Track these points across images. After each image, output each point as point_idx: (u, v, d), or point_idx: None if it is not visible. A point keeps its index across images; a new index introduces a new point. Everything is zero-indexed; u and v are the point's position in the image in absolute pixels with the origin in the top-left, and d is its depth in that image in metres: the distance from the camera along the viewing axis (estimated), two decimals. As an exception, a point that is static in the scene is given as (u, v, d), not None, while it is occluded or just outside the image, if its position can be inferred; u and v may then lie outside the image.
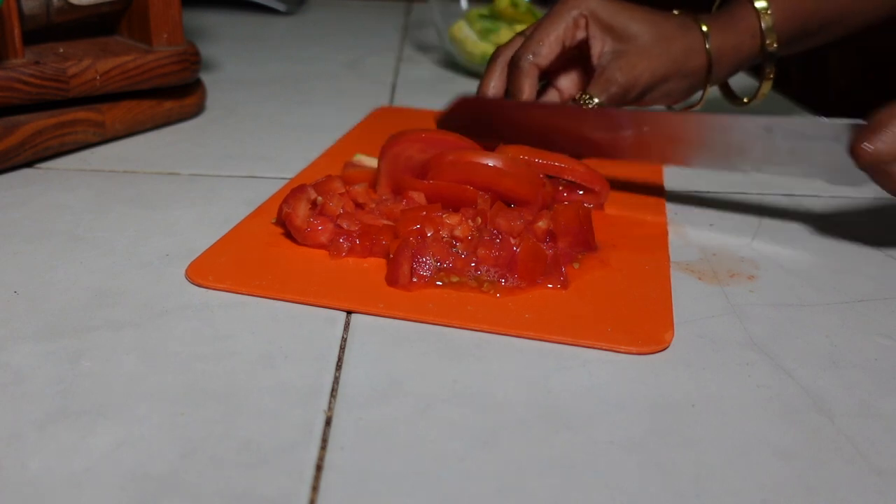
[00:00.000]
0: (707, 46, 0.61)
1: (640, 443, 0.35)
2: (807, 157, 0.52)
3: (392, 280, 0.45)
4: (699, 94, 0.64)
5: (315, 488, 0.31)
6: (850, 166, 0.50)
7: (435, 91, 0.87)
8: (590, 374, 0.39)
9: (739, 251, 0.52)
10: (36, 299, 0.43)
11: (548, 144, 0.55)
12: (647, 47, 0.59)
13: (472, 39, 0.90)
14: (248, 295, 0.44)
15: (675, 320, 0.44)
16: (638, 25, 0.59)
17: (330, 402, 0.36)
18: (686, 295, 0.47)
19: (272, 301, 0.44)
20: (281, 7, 1.22)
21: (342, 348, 0.40)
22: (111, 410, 0.35)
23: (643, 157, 0.56)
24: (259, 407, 0.36)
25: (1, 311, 0.42)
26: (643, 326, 0.42)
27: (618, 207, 0.56)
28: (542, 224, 0.48)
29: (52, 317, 0.42)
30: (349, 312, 0.43)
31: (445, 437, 0.34)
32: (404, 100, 0.82)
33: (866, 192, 0.61)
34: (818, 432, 0.36)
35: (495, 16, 0.91)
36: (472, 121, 0.59)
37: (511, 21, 0.90)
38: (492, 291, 0.44)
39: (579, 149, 0.56)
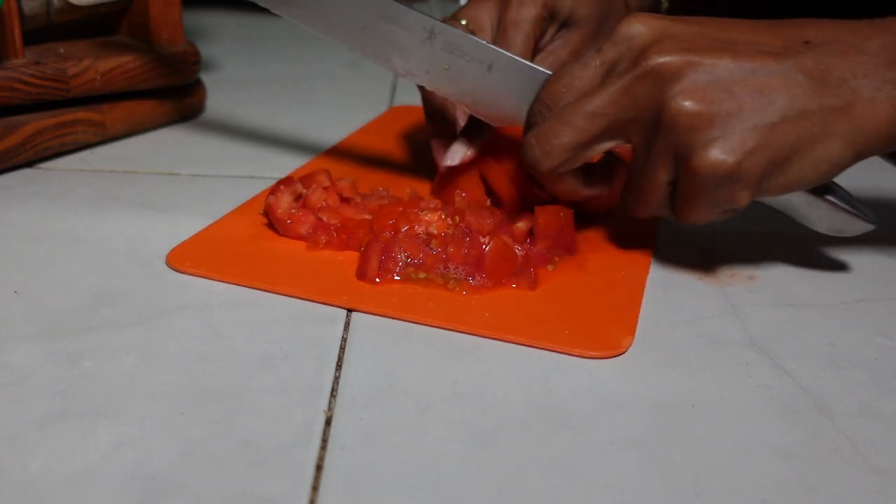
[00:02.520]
0: None
1: (640, 443, 0.35)
2: (457, 77, 0.48)
3: (360, 274, 0.45)
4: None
5: (315, 488, 0.31)
6: (498, 100, 0.48)
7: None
8: (590, 374, 0.39)
9: (739, 251, 0.52)
10: (36, 299, 0.43)
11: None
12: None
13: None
14: (221, 282, 0.45)
15: (676, 320, 0.44)
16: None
17: (330, 402, 0.36)
18: (686, 295, 0.47)
19: (272, 301, 0.44)
20: (281, 7, 1.21)
21: (342, 348, 0.40)
22: (111, 410, 0.35)
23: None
24: (259, 407, 0.36)
25: (1, 311, 0.42)
26: (602, 331, 0.42)
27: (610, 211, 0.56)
28: (521, 225, 0.48)
29: (52, 317, 0.42)
30: (348, 310, 0.43)
31: (445, 437, 0.34)
32: (404, 100, 0.82)
33: (866, 192, 0.61)
34: (818, 432, 0.36)
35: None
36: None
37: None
38: (457, 289, 0.45)
39: None
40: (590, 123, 0.43)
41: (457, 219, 0.47)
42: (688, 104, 0.41)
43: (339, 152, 0.65)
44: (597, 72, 0.44)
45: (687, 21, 0.43)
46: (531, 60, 0.52)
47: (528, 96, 0.47)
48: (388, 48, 0.49)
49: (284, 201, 0.49)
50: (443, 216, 0.47)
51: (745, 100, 0.41)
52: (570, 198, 0.48)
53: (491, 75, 0.48)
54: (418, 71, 0.50)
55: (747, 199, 0.43)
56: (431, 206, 0.49)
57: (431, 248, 0.46)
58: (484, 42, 0.48)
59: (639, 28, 0.43)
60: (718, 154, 0.41)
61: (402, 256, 0.46)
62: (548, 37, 0.56)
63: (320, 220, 0.49)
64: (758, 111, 0.41)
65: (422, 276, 0.45)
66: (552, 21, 0.55)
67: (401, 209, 0.48)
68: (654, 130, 0.43)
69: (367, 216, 0.50)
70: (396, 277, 0.45)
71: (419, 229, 0.47)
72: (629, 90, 0.42)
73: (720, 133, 0.41)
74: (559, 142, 0.43)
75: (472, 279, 0.45)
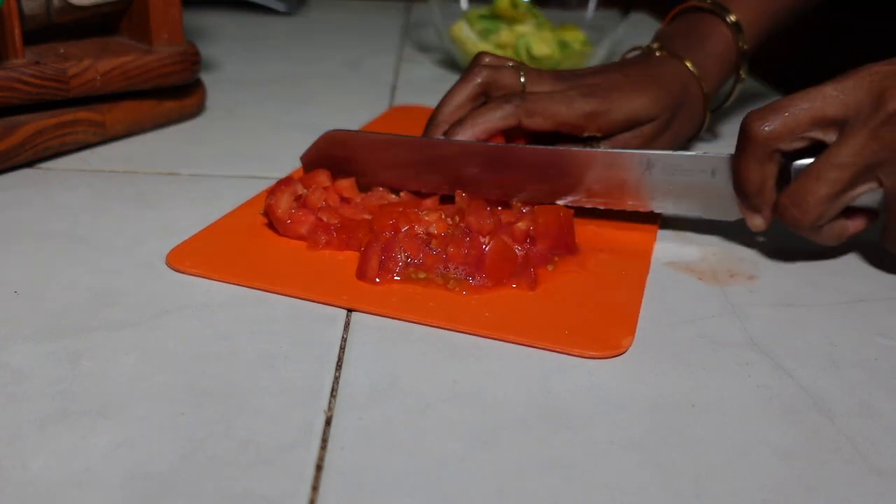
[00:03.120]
0: (703, 92, 0.61)
1: (640, 443, 0.35)
2: (685, 192, 0.52)
3: (361, 274, 0.45)
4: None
5: (315, 488, 0.31)
6: (726, 200, 0.51)
7: (435, 91, 0.86)
8: (590, 374, 0.39)
9: (739, 251, 0.52)
10: (36, 299, 0.43)
11: (418, 182, 0.53)
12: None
13: (472, 39, 0.89)
14: (221, 282, 0.45)
15: (676, 320, 0.44)
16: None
17: (330, 402, 0.36)
18: (686, 295, 0.47)
19: (272, 301, 0.44)
20: (281, 7, 1.22)
21: (342, 348, 0.40)
22: (111, 410, 0.35)
23: (526, 194, 0.53)
24: (259, 407, 0.36)
25: (1, 311, 0.42)
26: (602, 331, 0.42)
27: (612, 211, 0.56)
28: (521, 225, 0.48)
29: (52, 317, 0.42)
30: (348, 310, 0.43)
31: (445, 437, 0.34)
32: (404, 100, 0.82)
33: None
34: (818, 432, 0.36)
35: (495, 16, 0.91)
36: (340, 159, 0.55)
37: (511, 21, 0.90)
38: (457, 289, 0.45)
39: (455, 186, 0.53)
40: (840, 174, 0.45)
41: (457, 219, 0.47)
42: None
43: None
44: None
45: None
46: None
47: None
48: (614, 192, 0.53)
49: (284, 201, 0.50)
50: (443, 216, 0.47)
51: None
52: (841, 241, 0.50)
53: (716, 179, 0.51)
54: (646, 198, 0.53)
55: None
56: (431, 205, 0.49)
57: (431, 248, 0.46)
58: (698, 154, 0.51)
59: (871, 74, 0.45)
60: None
61: (402, 256, 0.46)
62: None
63: (320, 219, 0.49)
64: None
65: (422, 276, 0.45)
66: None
67: (401, 209, 0.48)
68: None
69: (367, 216, 0.50)
70: (396, 277, 0.45)
71: (419, 229, 0.47)
72: (876, 136, 0.44)
73: None
74: (813, 197, 0.46)
75: (472, 279, 0.45)
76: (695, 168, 0.51)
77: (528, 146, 0.53)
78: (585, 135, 0.56)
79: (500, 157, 0.52)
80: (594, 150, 0.52)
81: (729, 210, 0.52)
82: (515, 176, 0.52)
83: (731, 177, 0.50)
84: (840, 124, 0.46)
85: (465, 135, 0.53)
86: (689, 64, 0.60)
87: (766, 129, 0.47)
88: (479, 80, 0.57)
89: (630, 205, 0.53)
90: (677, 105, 0.59)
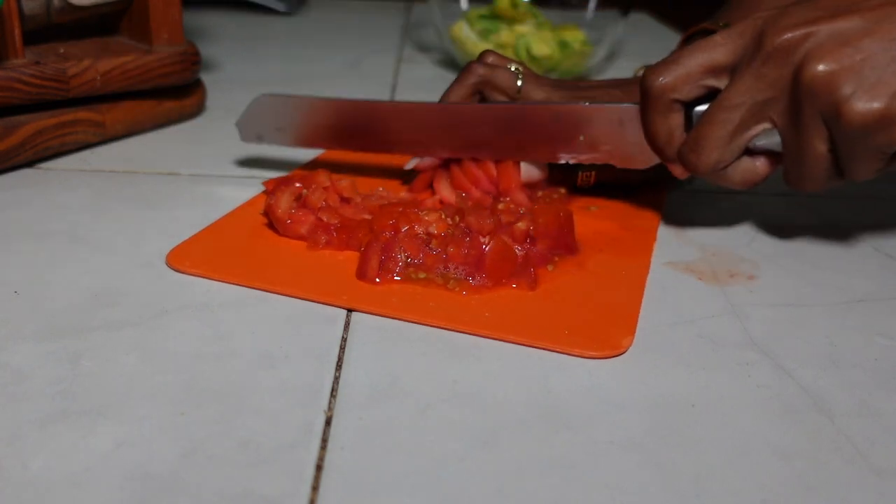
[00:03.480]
0: None
1: (640, 443, 0.35)
2: (594, 143, 0.52)
3: (361, 274, 0.45)
4: None
5: (315, 488, 0.31)
6: (636, 149, 0.51)
7: (435, 91, 0.86)
8: (590, 374, 0.39)
9: (739, 251, 0.52)
10: (36, 299, 0.43)
11: (365, 143, 0.56)
12: None
13: (472, 39, 0.90)
14: (221, 282, 0.45)
15: (676, 320, 0.44)
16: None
17: (330, 402, 0.36)
18: (686, 295, 0.47)
19: (272, 301, 0.44)
20: (281, 7, 1.21)
21: (342, 348, 0.40)
22: (111, 410, 0.35)
23: (497, 154, 0.54)
24: (259, 407, 0.36)
25: (1, 311, 0.42)
26: (602, 331, 0.42)
27: (612, 210, 0.56)
28: (521, 225, 0.48)
29: (52, 317, 0.42)
30: (348, 310, 0.43)
31: (445, 437, 0.34)
32: (404, 99, 0.82)
33: (864, 190, 0.61)
34: (818, 432, 0.36)
35: (495, 16, 0.91)
36: (277, 125, 0.57)
37: (511, 21, 0.90)
38: (457, 289, 0.45)
39: (421, 148, 0.55)
40: (730, 115, 0.46)
41: (457, 219, 0.47)
42: (820, 67, 0.43)
43: (339, 152, 0.65)
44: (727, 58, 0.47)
45: (804, 3, 0.46)
46: None
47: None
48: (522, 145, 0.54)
49: (284, 201, 0.50)
50: (443, 216, 0.47)
51: (876, 48, 0.43)
52: (751, 184, 0.50)
53: (623, 129, 0.52)
54: (555, 151, 0.53)
55: None
56: (431, 205, 0.49)
57: (431, 249, 0.46)
58: (608, 104, 0.52)
59: (754, 20, 0.46)
60: (864, 104, 0.42)
61: (402, 256, 0.46)
62: None
63: (320, 219, 0.49)
64: (892, 55, 0.43)
65: (422, 275, 0.45)
66: None
67: (401, 209, 0.48)
68: (795, 105, 0.45)
69: (367, 216, 0.50)
70: (396, 277, 0.45)
71: (419, 229, 0.47)
72: (759, 75, 0.45)
73: (859, 84, 0.43)
74: (708, 141, 0.47)
75: (473, 279, 0.45)
76: (602, 120, 0.51)
77: (520, 103, 0.54)
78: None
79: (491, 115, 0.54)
80: (506, 104, 0.54)
81: (639, 158, 0.52)
82: (504, 134, 0.54)
83: (639, 126, 0.51)
84: (730, 70, 0.47)
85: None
86: None
87: (661, 81, 0.48)
88: (472, 80, 0.57)
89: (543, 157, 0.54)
90: None
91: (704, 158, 0.47)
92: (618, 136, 0.52)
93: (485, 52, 0.59)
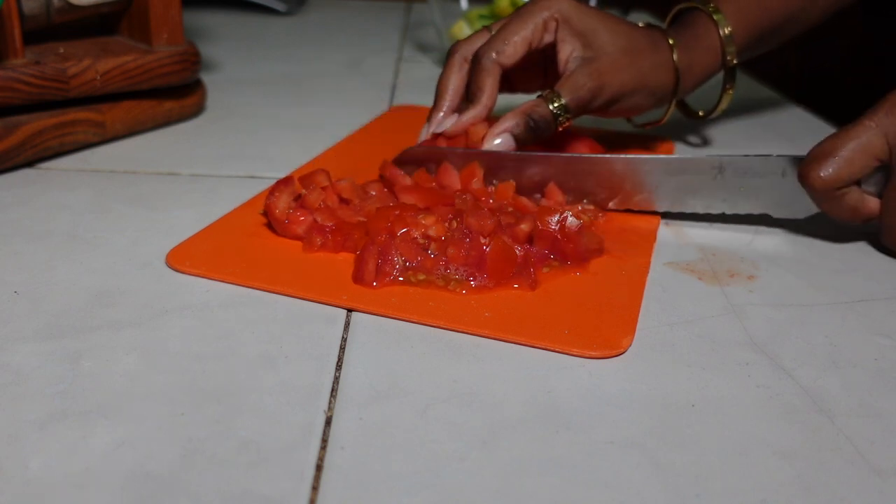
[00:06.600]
0: (675, 63, 0.61)
1: (640, 443, 0.35)
2: (755, 193, 0.54)
3: (357, 277, 0.45)
4: (663, 108, 0.64)
5: (315, 488, 0.31)
6: (795, 198, 0.53)
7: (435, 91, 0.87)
8: (590, 374, 0.39)
9: (739, 251, 0.52)
10: (36, 299, 0.43)
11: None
12: (616, 58, 0.58)
13: (472, 39, 0.89)
14: (221, 282, 0.45)
15: (676, 320, 0.44)
16: (608, 35, 0.58)
17: (330, 402, 0.36)
18: (686, 295, 0.47)
19: (272, 301, 0.44)
20: (281, 7, 1.22)
21: (342, 348, 0.40)
22: (111, 410, 0.35)
23: (599, 201, 0.55)
24: (259, 407, 0.36)
25: (1, 311, 0.42)
26: (602, 331, 0.42)
27: (614, 211, 0.56)
28: (523, 227, 0.48)
29: (52, 317, 0.42)
30: (347, 309, 0.43)
31: (445, 437, 0.34)
32: (404, 100, 0.82)
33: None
34: (818, 432, 0.36)
35: (495, 16, 0.91)
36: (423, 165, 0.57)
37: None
38: (458, 290, 0.45)
39: (532, 192, 0.56)
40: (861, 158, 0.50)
41: (454, 222, 0.47)
42: None
43: (338, 152, 0.65)
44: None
45: None
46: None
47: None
48: (682, 196, 0.55)
49: (283, 201, 0.49)
50: (440, 219, 0.47)
51: None
52: (857, 217, 0.52)
53: (785, 179, 0.53)
54: (714, 201, 0.55)
55: None
56: (426, 209, 0.49)
57: (430, 252, 0.46)
58: (770, 156, 0.53)
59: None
60: None
61: (398, 260, 0.46)
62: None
63: (316, 221, 0.49)
64: None
65: (421, 277, 0.45)
66: None
67: (397, 212, 0.48)
68: None
69: (363, 218, 0.49)
70: (400, 279, 0.45)
71: (415, 233, 0.46)
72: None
73: None
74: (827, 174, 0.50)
75: (473, 280, 0.45)
76: (766, 170, 0.53)
77: (615, 157, 0.55)
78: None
79: (574, 166, 0.55)
80: (667, 157, 0.55)
81: (797, 208, 0.54)
82: (588, 183, 0.55)
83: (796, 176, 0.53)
84: (890, 152, 0.50)
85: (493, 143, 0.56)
86: (671, 41, 0.61)
87: (824, 175, 0.50)
88: (456, 67, 0.59)
89: (701, 208, 0.55)
90: (645, 87, 0.60)
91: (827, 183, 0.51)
92: (778, 185, 0.53)
93: (454, 44, 0.61)
